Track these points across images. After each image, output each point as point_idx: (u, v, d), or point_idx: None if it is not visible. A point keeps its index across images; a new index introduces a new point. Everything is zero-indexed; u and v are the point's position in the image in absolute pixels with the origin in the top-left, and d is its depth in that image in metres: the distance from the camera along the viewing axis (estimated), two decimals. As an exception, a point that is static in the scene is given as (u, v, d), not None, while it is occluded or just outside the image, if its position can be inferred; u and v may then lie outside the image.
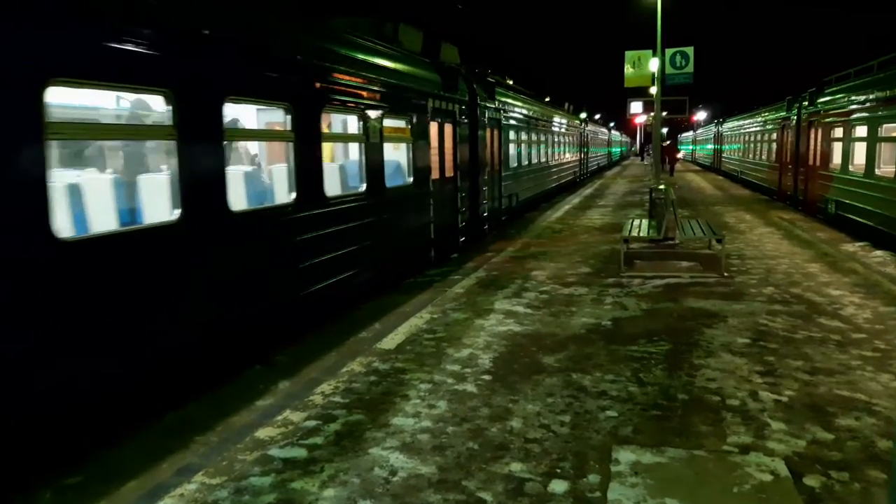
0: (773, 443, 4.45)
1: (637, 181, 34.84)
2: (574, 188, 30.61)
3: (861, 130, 14.35)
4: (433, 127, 11.25)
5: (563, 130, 28.69)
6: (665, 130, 36.33)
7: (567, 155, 30.30)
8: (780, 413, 4.95)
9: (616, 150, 67.53)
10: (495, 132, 15.79)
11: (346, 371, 5.98)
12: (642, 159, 70.73)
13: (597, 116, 59.51)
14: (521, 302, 8.49)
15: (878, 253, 11.65)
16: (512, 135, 17.97)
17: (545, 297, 8.71)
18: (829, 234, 14.28)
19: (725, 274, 9.94)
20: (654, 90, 20.64)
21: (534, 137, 21.51)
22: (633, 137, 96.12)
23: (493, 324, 7.49)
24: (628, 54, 21.45)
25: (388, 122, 9.25)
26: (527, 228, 16.18)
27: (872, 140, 13.52)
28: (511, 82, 22.39)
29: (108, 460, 4.30)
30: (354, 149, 9.77)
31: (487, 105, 14.93)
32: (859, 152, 14.42)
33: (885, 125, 13.06)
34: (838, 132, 16.06)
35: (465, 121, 13.24)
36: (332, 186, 8.16)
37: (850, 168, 14.96)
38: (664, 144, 34.48)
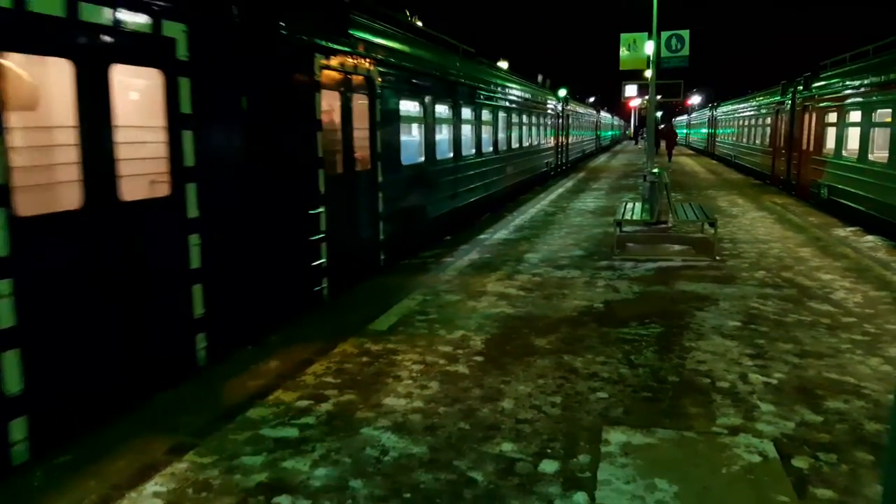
0: (762, 424, 4.48)
1: (630, 166, 34.77)
2: (547, 182, 24.67)
3: (855, 115, 14.36)
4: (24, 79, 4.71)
5: (527, 107, 21.43)
6: (659, 114, 35.11)
7: (534, 140, 22.91)
8: (770, 395, 4.98)
9: (607, 133, 63.37)
10: (356, 99, 8.40)
11: (338, 352, 5.98)
12: (636, 143, 70.66)
13: (591, 99, 59.01)
14: (513, 284, 8.50)
15: (870, 238, 11.71)
16: (408, 107, 10.83)
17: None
18: (821, 219, 14.33)
19: (717, 258, 9.97)
20: (649, 73, 20.54)
21: (467, 114, 14.30)
22: (628, 121, 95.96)
23: (486, 306, 7.49)
24: (623, 37, 21.27)
25: None
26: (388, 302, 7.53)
27: (866, 125, 13.53)
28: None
29: (98, 440, 4.29)
30: None
31: (319, 44, 7.40)
32: (853, 137, 14.44)
33: (879, 110, 13.06)
34: (832, 117, 16.06)
35: (234, 71, 6.00)
36: None
37: (844, 153, 14.98)
38: (660, 127, 34.14)
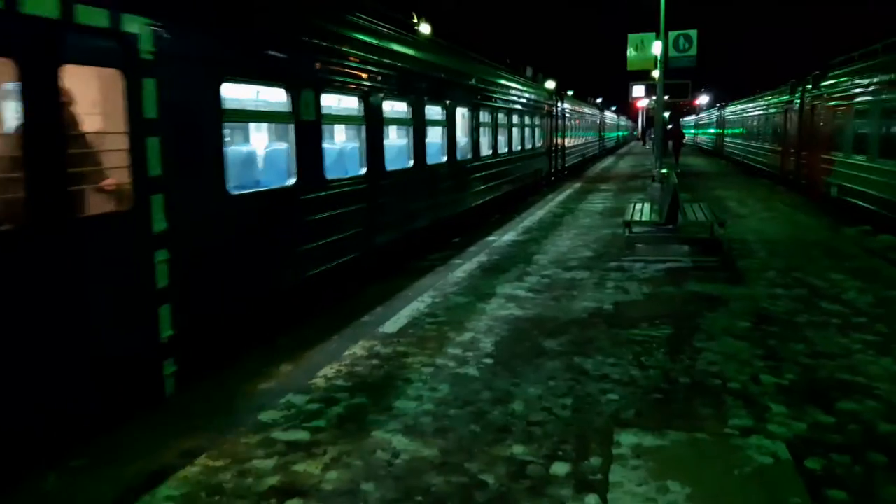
0: (774, 426, 4.46)
1: (638, 168, 34.64)
2: (537, 195, 20.73)
3: (864, 114, 14.28)
4: None
5: (504, 104, 17.08)
6: (667, 115, 34.52)
7: (516, 143, 18.66)
8: (782, 396, 4.95)
9: (612, 134, 60.03)
10: (78, 78, 4.45)
11: (349, 354, 5.99)
12: (644, 143, 70.45)
13: (599, 100, 58.52)
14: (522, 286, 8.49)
15: (881, 237, 11.64)
16: (248, 94, 7.93)
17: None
18: (831, 218, 14.25)
19: (727, 258, 9.93)
20: (656, 73, 20.49)
21: (400, 111, 10.59)
22: (636, 121, 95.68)
23: (495, 307, 7.49)
24: (631, 37, 21.27)
25: None
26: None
27: (876, 124, 13.46)
28: None
29: (111, 443, 4.32)
30: None
31: None
32: (862, 136, 14.37)
33: (888, 109, 12.98)
34: (842, 116, 15.99)
35: None
36: None
37: (853, 152, 14.91)
38: (668, 128, 33.90)
